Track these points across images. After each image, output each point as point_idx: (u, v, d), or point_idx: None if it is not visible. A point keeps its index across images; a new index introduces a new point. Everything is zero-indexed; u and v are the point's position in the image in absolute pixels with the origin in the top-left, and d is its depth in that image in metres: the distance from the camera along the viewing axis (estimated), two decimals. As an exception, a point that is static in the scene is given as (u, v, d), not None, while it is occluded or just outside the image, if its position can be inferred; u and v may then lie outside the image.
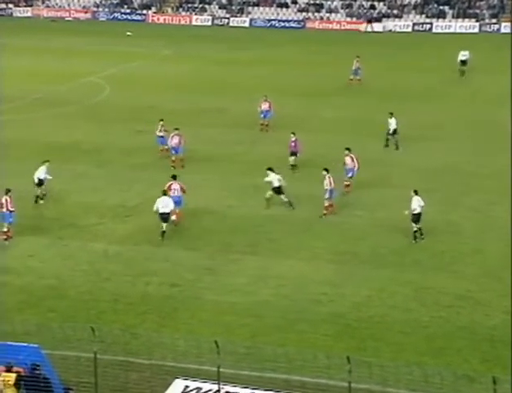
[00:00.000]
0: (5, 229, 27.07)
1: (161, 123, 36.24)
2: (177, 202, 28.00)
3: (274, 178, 29.89)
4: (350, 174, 31.58)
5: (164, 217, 27.21)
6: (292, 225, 28.60)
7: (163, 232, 27.29)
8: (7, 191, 27.24)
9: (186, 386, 17.07)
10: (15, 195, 28.19)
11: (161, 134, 36.35)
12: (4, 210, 26.87)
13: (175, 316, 22.24)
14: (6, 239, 26.96)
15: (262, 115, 41.42)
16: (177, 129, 35.12)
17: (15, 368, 16.95)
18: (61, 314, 22.01)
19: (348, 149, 31.90)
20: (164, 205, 27.22)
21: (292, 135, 34.54)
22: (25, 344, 17.71)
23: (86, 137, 39.03)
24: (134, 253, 26.22)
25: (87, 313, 22.20)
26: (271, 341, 20.28)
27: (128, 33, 73.55)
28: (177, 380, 17.38)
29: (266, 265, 25.36)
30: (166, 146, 35.52)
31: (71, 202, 30.23)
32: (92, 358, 17.64)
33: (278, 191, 29.90)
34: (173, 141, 34.60)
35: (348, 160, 31.56)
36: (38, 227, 27.87)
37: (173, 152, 34.71)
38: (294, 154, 34.52)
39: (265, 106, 41.42)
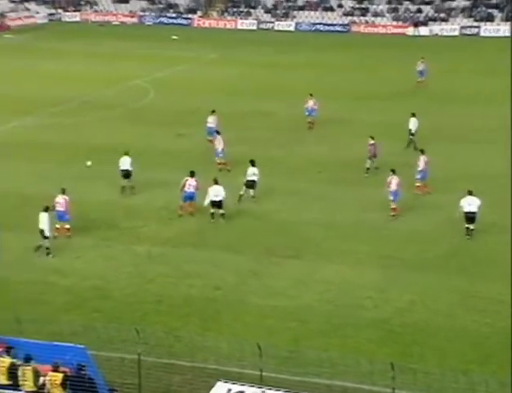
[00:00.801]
0: (67, 226, 27.55)
1: (212, 116, 38.18)
2: (190, 197, 29.16)
3: (251, 172, 30.68)
4: (421, 176, 31.44)
5: (216, 204, 28.62)
6: (336, 229, 28.46)
7: (213, 213, 28.72)
8: (63, 191, 27.70)
9: (229, 389, 17.05)
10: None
11: (211, 125, 37.86)
12: (62, 209, 27.31)
13: (218, 319, 22.24)
14: (68, 236, 27.43)
15: (307, 113, 41.76)
16: (218, 133, 35.33)
17: (61, 368, 17.13)
18: (106, 315, 22.18)
19: (421, 151, 31.92)
20: (216, 193, 28.60)
21: (370, 139, 34.29)
22: (71, 344, 17.89)
23: (130, 139, 39.31)
24: (178, 255, 26.31)
25: (131, 314, 22.32)
26: (314, 345, 20.17)
27: (174, 37, 74.06)
28: (219, 383, 17.39)
29: (310, 269, 25.25)
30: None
31: (115, 204, 30.46)
32: (136, 359, 17.76)
33: (251, 185, 30.76)
34: (217, 144, 34.82)
35: (421, 161, 31.43)
36: (83, 228, 28.11)
37: (220, 155, 34.90)
38: (372, 157, 34.23)
39: (310, 104, 41.70)
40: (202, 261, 25.80)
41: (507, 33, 76.59)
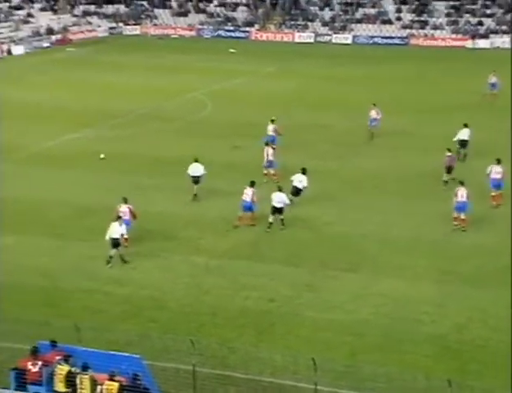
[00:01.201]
0: (125, 236, 27.52)
1: (273, 124, 39.12)
2: (248, 208, 29.47)
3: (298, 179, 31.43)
4: (497, 186, 31.09)
5: (277, 210, 29.16)
6: (393, 243, 28.19)
7: (271, 223, 29.15)
8: (125, 201, 28.10)
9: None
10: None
11: (271, 133, 38.78)
12: (127, 217, 27.63)
13: (273, 331, 22.17)
14: (126, 246, 27.34)
15: (369, 123, 41.81)
16: (267, 145, 35.51)
17: (117, 378, 17.25)
18: (162, 325, 22.27)
19: (498, 160, 31.60)
20: (279, 200, 29.12)
21: (447, 151, 34.02)
22: (127, 354, 18.02)
23: (188, 151, 39.53)
24: (234, 267, 26.33)
25: (186, 325, 22.39)
26: (370, 360, 19.97)
27: (232, 51, 74.50)
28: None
29: (366, 283, 25.03)
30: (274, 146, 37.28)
31: (172, 215, 30.69)
32: (191, 370, 17.80)
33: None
34: (267, 155, 34.93)
35: (495, 171, 31.13)
36: (140, 238, 28.35)
37: (268, 166, 35.09)
38: (449, 170, 33.88)
39: (373, 114, 41.83)
40: (258, 273, 25.78)
41: None
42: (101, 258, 26.77)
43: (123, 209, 27.81)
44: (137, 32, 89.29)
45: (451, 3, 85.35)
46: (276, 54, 74.02)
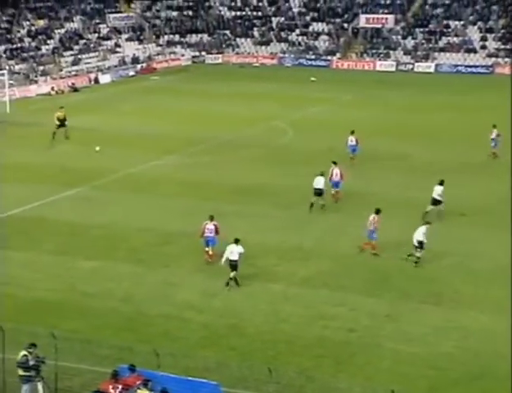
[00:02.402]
0: (211, 253, 28.58)
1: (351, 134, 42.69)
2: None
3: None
4: None
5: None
6: (476, 274, 27.62)
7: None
8: (212, 218, 28.76)
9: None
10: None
11: (352, 143, 42.56)
12: (212, 235, 28.42)
13: (351, 362, 21.92)
14: (210, 262, 28.38)
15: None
16: (334, 163, 35.93)
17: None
18: (240, 353, 22.29)
19: None
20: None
21: None
22: (205, 380, 18.08)
23: (269, 179, 39.81)
24: (312, 295, 26.20)
25: (264, 352, 22.34)
26: (450, 395, 19.55)
27: (312, 79, 74.69)
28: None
29: (448, 316, 24.55)
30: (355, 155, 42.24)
31: (252, 243, 30.70)
32: (268, 398, 17.73)
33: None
34: (334, 174, 35.60)
35: None
36: (220, 266, 28.49)
37: (334, 185, 35.89)
38: None
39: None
40: (337, 303, 25.57)
41: None
42: (180, 284, 27.06)
43: (210, 226, 28.48)
44: (219, 60, 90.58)
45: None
46: (356, 82, 73.89)
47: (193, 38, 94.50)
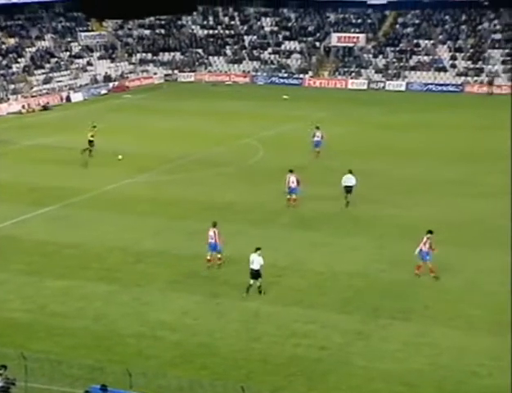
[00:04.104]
0: (219, 256, 29.86)
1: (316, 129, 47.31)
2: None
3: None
4: None
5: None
6: (447, 291, 27.78)
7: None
8: (215, 224, 29.82)
9: None
10: (172, 252, 28.98)
11: (317, 139, 47.23)
12: (212, 241, 29.49)
13: (324, 380, 21.94)
14: (219, 265, 29.74)
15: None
16: (291, 171, 37.99)
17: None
18: (212, 372, 22.20)
19: None
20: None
21: None
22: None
23: (240, 197, 39.89)
24: (284, 314, 26.20)
25: (237, 371, 22.30)
26: (422, 411, 19.61)
27: (285, 97, 75.01)
28: None
29: (419, 332, 24.66)
30: (318, 150, 46.79)
31: (224, 260, 30.72)
32: (241, 417, 17.68)
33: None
34: (290, 182, 37.58)
35: None
36: (192, 284, 28.49)
37: (290, 192, 37.76)
38: None
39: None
40: (308, 321, 25.60)
41: None
42: (153, 303, 26.95)
43: (211, 233, 29.65)
44: (192, 79, 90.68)
45: (507, 51, 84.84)
46: (328, 100, 74.30)
47: (165, 57, 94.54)
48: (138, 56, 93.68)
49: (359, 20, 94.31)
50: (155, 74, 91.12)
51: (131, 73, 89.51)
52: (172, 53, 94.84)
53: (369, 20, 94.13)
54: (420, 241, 28.83)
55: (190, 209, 37.97)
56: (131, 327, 25.20)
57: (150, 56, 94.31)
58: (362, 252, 31.62)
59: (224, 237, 30.16)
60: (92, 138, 49.47)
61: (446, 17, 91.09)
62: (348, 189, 37.78)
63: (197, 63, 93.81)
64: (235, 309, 26.71)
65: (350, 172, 37.97)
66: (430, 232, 29.11)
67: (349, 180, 37.77)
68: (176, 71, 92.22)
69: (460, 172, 44.74)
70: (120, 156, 46.69)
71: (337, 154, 49.37)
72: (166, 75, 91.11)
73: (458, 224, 35.05)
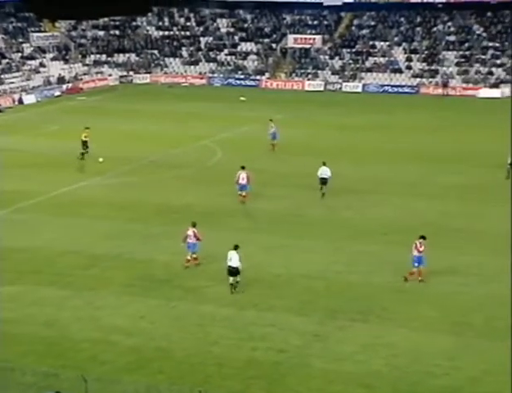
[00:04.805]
0: (194, 256, 29.86)
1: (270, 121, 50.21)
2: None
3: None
4: None
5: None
6: (404, 293, 27.78)
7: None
8: (194, 224, 29.94)
9: None
10: (126, 256, 28.53)
11: (273, 131, 49.82)
12: (191, 241, 29.61)
13: (282, 382, 21.76)
14: (197, 264, 29.90)
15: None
16: (242, 168, 38.50)
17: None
18: (169, 376, 21.92)
19: None
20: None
21: None
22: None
23: (197, 199, 39.55)
24: (241, 317, 25.95)
25: (194, 376, 22.00)
26: (381, 413, 19.51)
27: (242, 99, 74.82)
28: None
29: (377, 334, 24.59)
30: (275, 141, 49.47)
31: (180, 264, 30.40)
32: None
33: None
34: (241, 178, 38.19)
35: None
36: (147, 288, 28.09)
37: (240, 188, 38.49)
38: None
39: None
40: (265, 323, 25.37)
41: None
42: (107, 307, 26.50)
43: (189, 232, 29.73)
44: (148, 80, 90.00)
45: (461, 53, 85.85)
46: (285, 102, 74.28)
47: (120, 58, 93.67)
48: (92, 57, 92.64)
49: (315, 22, 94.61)
50: (110, 75, 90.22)
51: (85, 74, 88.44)
52: (127, 54, 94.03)
53: (325, 22, 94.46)
54: (412, 246, 28.45)
55: (146, 212, 37.51)
56: (84, 332, 24.72)
57: (104, 57, 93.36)
58: (319, 254, 31.53)
59: (202, 238, 30.07)
60: (85, 139, 48.48)
61: (402, 19, 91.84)
62: (324, 181, 39.25)
63: (153, 64, 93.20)
64: (192, 312, 26.38)
65: (324, 164, 39.53)
66: (423, 237, 28.59)
67: (325, 172, 39.24)
68: (131, 73, 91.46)
69: (415, 173, 44.95)
70: (101, 159, 46.23)
71: (294, 155, 49.33)
72: (121, 77, 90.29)
73: (412, 226, 35.03)
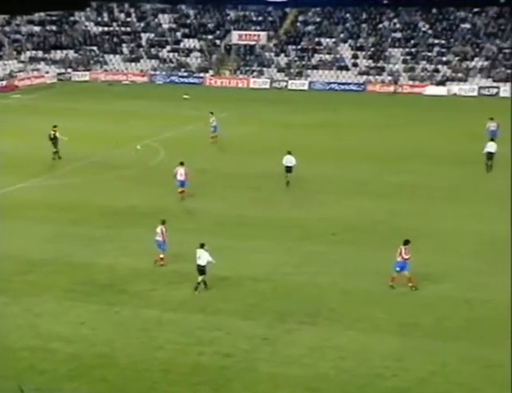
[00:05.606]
0: (161, 256, 29.65)
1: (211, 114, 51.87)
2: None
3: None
4: None
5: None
6: (352, 294, 27.53)
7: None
8: (163, 222, 29.61)
9: None
10: (66, 260, 27.71)
11: (214, 124, 51.59)
12: (160, 239, 29.40)
13: (229, 388, 21.38)
14: (162, 265, 29.60)
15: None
16: (181, 164, 38.57)
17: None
18: (112, 384, 21.39)
19: None
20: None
21: None
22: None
23: (140, 200, 38.82)
24: (188, 321, 25.39)
25: (138, 383, 21.49)
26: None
27: (185, 97, 74.05)
28: None
29: (325, 336, 24.31)
30: (216, 134, 51.67)
31: (123, 267, 29.70)
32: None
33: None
34: (179, 174, 38.25)
35: None
36: (89, 293, 27.33)
37: (179, 185, 38.51)
38: None
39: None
40: (212, 327, 24.88)
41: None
42: (46, 314, 25.69)
43: (158, 230, 29.47)
44: (87, 78, 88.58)
45: (407, 50, 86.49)
46: (230, 100, 73.92)
47: (58, 55, 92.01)
48: (28, 53, 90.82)
49: (260, 18, 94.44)
50: (47, 73, 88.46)
51: (20, 71, 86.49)
52: (64, 51, 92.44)
53: (270, 18, 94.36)
54: (397, 252, 27.66)
55: (87, 214, 36.60)
56: (23, 340, 23.88)
57: (41, 53, 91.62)
58: (266, 255, 31.16)
59: (169, 236, 29.81)
60: (54, 136, 47.43)
61: (347, 15, 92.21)
62: (289, 169, 40.77)
63: (92, 61, 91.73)
64: (136, 317, 25.73)
65: (289, 153, 40.91)
66: (407, 242, 27.73)
67: (289, 161, 40.68)
68: (69, 70, 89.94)
69: (363, 172, 44.87)
70: (138, 146, 48.98)
71: (239, 155, 48.89)
72: (59, 74, 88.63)
73: (361, 225, 34.98)
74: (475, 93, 79.00)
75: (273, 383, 21.51)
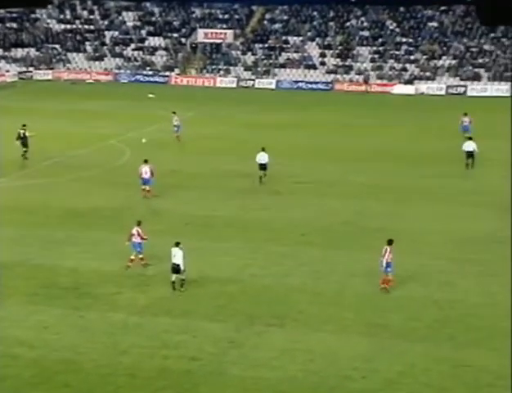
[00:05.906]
0: (141, 256, 29.17)
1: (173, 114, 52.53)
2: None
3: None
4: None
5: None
6: (320, 295, 27.30)
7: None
8: (139, 223, 29.24)
9: None
10: (29, 263, 27.06)
11: (176, 123, 51.99)
12: (136, 240, 29.02)
13: (196, 392, 21.03)
14: (147, 265, 29.27)
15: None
16: (145, 161, 38.46)
17: None
18: (76, 390, 21.01)
19: None
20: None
21: None
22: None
23: (104, 202, 38.19)
24: (154, 324, 24.98)
25: (103, 388, 21.13)
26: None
27: (150, 96, 73.30)
28: None
29: (293, 338, 24.03)
30: (178, 134, 51.87)
31: (88, 270, 29.13)
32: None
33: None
34: (144, 172, 37.98)
35: None
36: (52, 296, 26.77)
37: (144, 183, 38.22)
38: None
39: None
40: (179, 330, 24.50)
41: (494, 93, 76.43)
42: (8, 318, 25.12)
43: (134, 231, 29.02)
44: (49, 77, 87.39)
45: (375, 49, 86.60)
46: (197, 99, 73.42)
47: (19, 53, 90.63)
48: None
49: (226, 16, 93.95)
50: (8, 71, 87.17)
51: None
52: (26, 49, 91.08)
53: (236, 16, 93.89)
54: (382, 252, 27.14)
55: (49, 216, 35.92)
56: (-17, 347, 23.24)
57: (1, 51, 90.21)
58: (234, 257, 30.83)
59: (148, 236, 29.37)
60: (23, 136, 46.81)
61: (315, 13, 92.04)
62: (263, 166, 40.97)
63: (54, 60, 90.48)
64: (101, 321, 25.26)
65: (263, 150, 41.24)
66: (390, 242, 27.24)
67: (263, 158, 40.96)
68: (31, 68, 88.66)
69: (331, 172, 44.73)
70: (144, 140, 49.73)
71: (205, 155, 48.44)
72: (20, 73, 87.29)
73: (329, 225, 34.78)
74: (443, 92, 79.42)
75: (241, 387, 21.26)
